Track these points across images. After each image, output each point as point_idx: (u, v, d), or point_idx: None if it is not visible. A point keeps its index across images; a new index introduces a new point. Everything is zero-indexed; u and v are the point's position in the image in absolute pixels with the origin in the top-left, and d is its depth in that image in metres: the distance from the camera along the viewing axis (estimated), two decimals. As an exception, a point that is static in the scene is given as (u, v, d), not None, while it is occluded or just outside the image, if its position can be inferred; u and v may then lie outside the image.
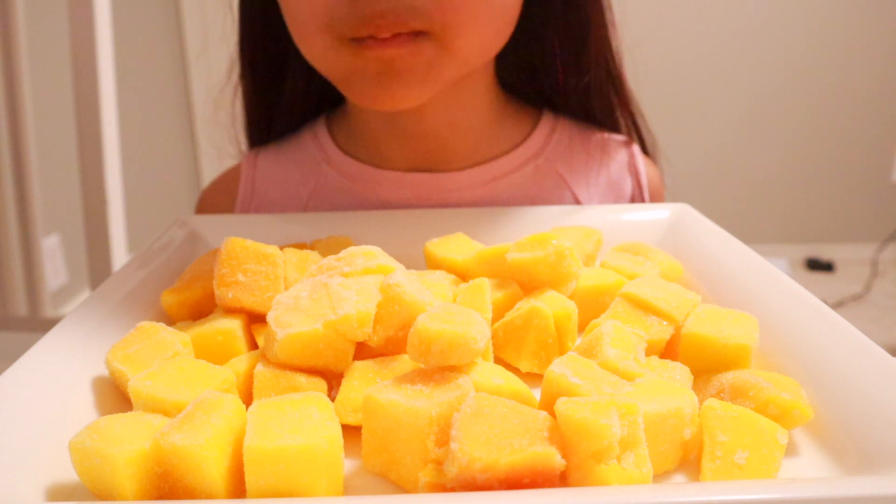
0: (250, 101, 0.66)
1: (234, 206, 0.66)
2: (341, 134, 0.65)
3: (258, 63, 0.64)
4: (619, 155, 0.65)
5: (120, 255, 1.19)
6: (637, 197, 0.65)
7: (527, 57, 0.64)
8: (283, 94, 0.65)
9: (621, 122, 0.67)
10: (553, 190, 0.63)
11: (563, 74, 0.63)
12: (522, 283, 0.41)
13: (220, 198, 0.67)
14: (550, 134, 0.65)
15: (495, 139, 0.63)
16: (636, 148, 0.66)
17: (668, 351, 0.37)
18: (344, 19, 0.48)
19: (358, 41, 0.49)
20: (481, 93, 0.61)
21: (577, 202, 0.63)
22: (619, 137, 0.67)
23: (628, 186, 0.65)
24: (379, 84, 0.50)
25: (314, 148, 0.64)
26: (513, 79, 0.66)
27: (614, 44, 0.63)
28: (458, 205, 0.60)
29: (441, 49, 0.50)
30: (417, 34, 0.48)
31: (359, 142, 0.63)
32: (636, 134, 0.68)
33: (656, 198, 0.68)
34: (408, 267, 0.39)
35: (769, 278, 0.42)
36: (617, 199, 0.65)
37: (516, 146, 0.63)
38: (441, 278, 0.43)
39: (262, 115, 0.66)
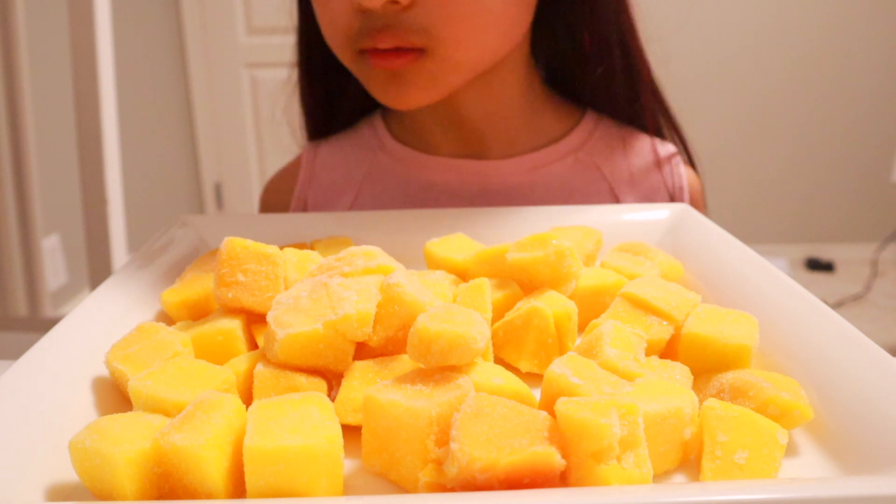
0: (312, 101, 0.71)
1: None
2: (394, 124, 0.70)
3: (318, 68, 0.68)
4: (664, 167, 0.66)
5: (120, 255, 1.19)
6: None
7: (556, 51, 0.66)
8: (347, 92, 0.70)
9: (663, 126, 0.68)
10: (591, 184, 0.65)
11: (591, 66, 0.64)
12: (522, 283, 0.41)
13: (284, 184, 0.73)
14: (593, 131, 0.67)
15: (534, 131, 0.66)
16: (678, 158, 0.67)
17: (668, 351, 0.37)
18: (359, 33, 0.53)
19: (366, 52, 0.54)
20: (514, 85, 0.64)
21: (616, 198, 0.65)
22: (663, 146, 0.67)
23: (667, 193, 0.66)
24: (389, 90, 0.55)
25: (370, 136, 0.70)
26: (554, 75, 0.68)
27: (639, 37, 0.64)
28: (499, 190, 0.65)
29: (442, 61, 0.53)
30: (418, 50, 0.53)
31: (409, 130, 0.68)
32: (678, 140, 0.69)
33: (696, 206, 0.68)
34: (408, 267, 0.39)
35: (769, 278, 0.42)
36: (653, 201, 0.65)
37: (557, 139, 0.66)
38: (441, 278, 0.43)
39: (323, 112, 0.72)
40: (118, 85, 1.19)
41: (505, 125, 0.65)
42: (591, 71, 0.64)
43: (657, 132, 0.68)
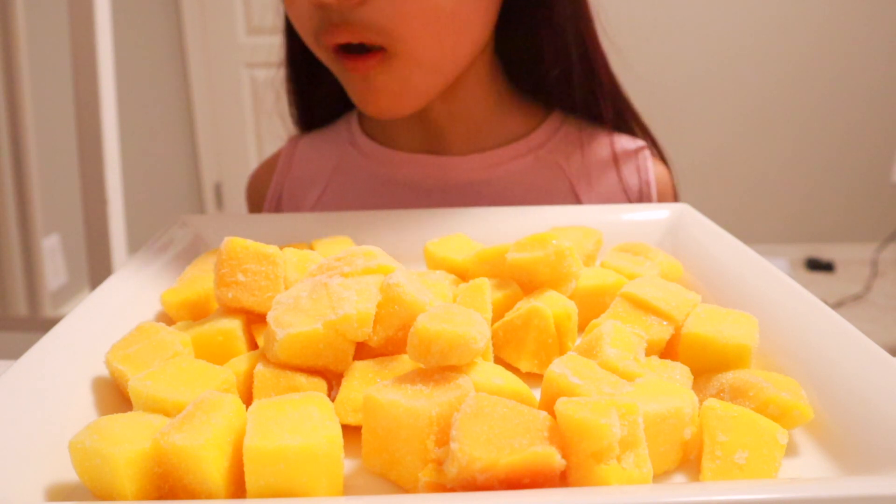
0: (296, 97, 0.74)
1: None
2: (366, 120, 0.73)
3: (300, 65, 0.70)
4: (629, 161, 0.67)
5: (120, 255, 1.19)
6: (645, 198, 0.66)
7: (518, 52, 0.67)
8: (321, 88, 0.71)
9: (631, 124, 0.69)
10: (552, 181, 0.66)
11: (547, 67, 0.66)
12: (522, 283, 0.41)
13: (264, 174, 0.76)
14: (557, 130, 0.68)
15: (497, 130, 0.67)
16: (647, 153, 0.68)
17: (668, 351, 0.37)
18: (321, 29, 0.55)
19: (337, 52, 0.55)
20: (477, 85, 0.66)
21: (576, 195, 0.65)
22: (631, 142, 0.68)
23: (634, 188, 0.66)
24: (363, 95, 0.57)
25: (345, 131, 0.73)
26: (522, 78, 0.69)
27: (599, 40, 0.65)
28: (458, 185, 0.66)
29: (408, 62, 0.55)
30: (384, 52, 0.54)
31: (377, 126, 0.71)
32: (645, 136, 0.69)
33: (665, 199, 0.69)
34: (408, 267, 0.39)
35: (769, 278, 0.42)
36: (619, 199, 0.66)
37: (520, 138, 0.67)
38: (441, 278, 0.43)
39: (305, 107, 0.75)
40: (118, 85, 1.19)
41: (468, 124, 0.67)
42: (548, 72, 0.65)
43: (625, 130, 0.69)
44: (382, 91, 0.56)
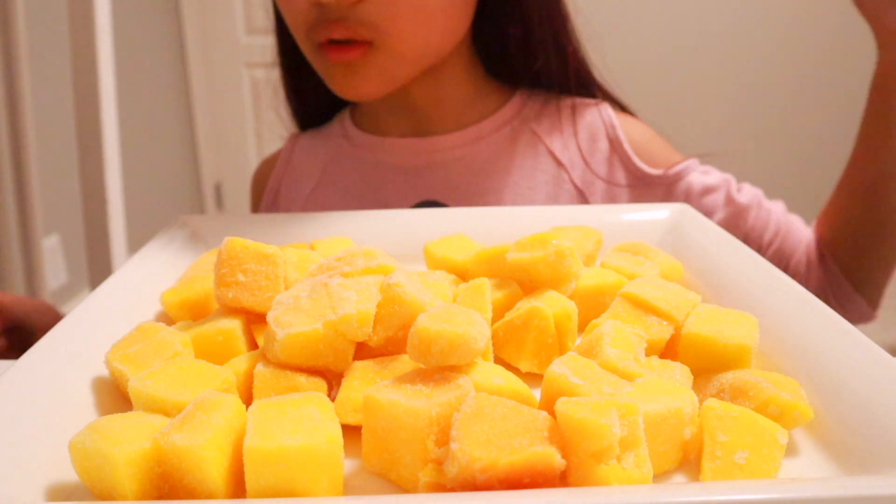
0: (293, 96, 0.79)
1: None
2: (356, 113, 0.78)
3: (294, 64, 0.74)
4: (589, 110, 0.72)
5: (120, 255, 1.19)
6: (616, 145, 0.70)
7: (492, 42, 0.71)
8: (313, 83, 0.74)
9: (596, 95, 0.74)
10: (529, 147, 0.71)
11: (517, 59, 0.70)
12: (522, 283, 0.41)
13: (266, 169, 0.82)
14: (524, 102, 0.73)
15: (475, 110, 0.72)
16: (606, 104, 0.72)
17: (668, 351, 0.37)
18: (315, 25, 0.59)
19: (323, 45, 0.60)
20: (458, 73, 0.71)
21: (553, 156, 0.70)
22: (590, 99, 0.73)
23: (602, 137, 0.70)
24: (344, 82, 0.62)
25: (338, 127, 0.78)
26: (495, 66, 0.74)
27: (573, 35, 0.69)
28: (445, 162, 0.70)
29: (389, 53, 0.60)
30: (370, 45, 0.59)
31: (365, 117, 0.76)
32: (609, 99, 0.74)
33: (650, 143, 0.71)
34: (408, 267, 0.39)
35: (769, 278, 0.42)
36: (593, 150, 0.70)
37: (493, 113, 0.72)
38: (441, 278, 0.43)
39: (301, 105, 0.80)
40: (118, 85, 1.19)
41: (450, 108, 0.71)
42: (527, 67, 0.70)
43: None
44: (363, 78, 0.61)
